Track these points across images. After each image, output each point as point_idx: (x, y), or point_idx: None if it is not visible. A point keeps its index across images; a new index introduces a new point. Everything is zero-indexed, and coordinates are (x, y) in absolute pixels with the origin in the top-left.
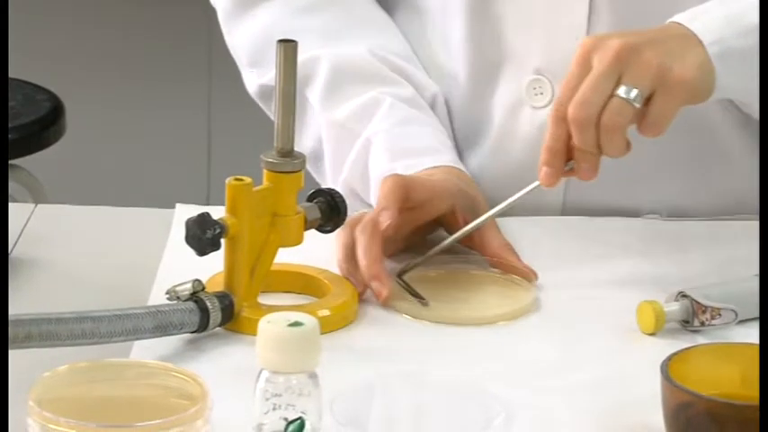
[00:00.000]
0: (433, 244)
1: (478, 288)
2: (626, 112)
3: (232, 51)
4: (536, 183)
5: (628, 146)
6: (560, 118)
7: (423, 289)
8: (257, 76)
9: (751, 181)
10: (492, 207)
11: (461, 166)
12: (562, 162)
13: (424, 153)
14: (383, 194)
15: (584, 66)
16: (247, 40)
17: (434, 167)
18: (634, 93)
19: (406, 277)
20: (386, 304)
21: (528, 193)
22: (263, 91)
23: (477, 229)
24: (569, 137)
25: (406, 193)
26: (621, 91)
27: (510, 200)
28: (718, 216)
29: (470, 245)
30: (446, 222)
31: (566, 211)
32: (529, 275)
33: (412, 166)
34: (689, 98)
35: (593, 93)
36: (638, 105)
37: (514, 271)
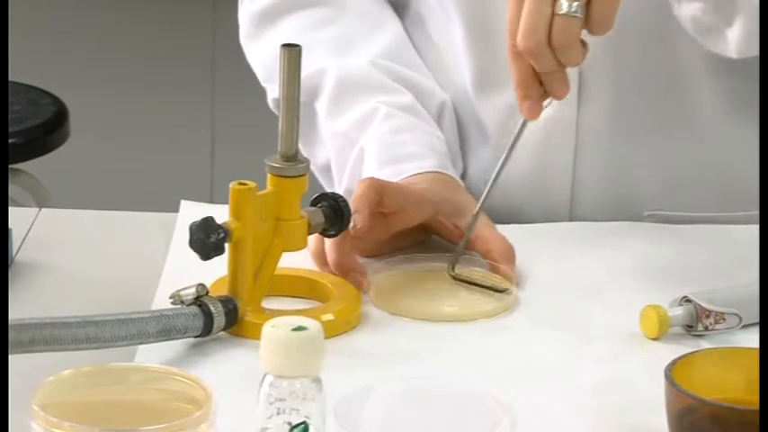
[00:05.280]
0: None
1: (457, 287)
2: (573, 27)
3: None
4: (522, 119)
5: (585, 48)
6: (517, 53)
7: (404, 288)
8: (271, 91)
9: (749, 166)
10: (492, 212)
11: (449, 171)
12: (537, 90)
13: (408, 160)
14: (355, 197)
15: None
16: (263, 56)
17: (419, 174)
18: (574, 5)
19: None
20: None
21: (519, 137)
22: (277, 105)
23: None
24: (532, 66)
25: (378, 197)
26: (563, 7)
27: (504, 156)
28: (715, 209)
29: (469, 246)
30: (434, 230)
31: (573, 216)
32: (509, 277)
33: (397, 174)
34: None
35: (534, 19)
36: (580, 16)
37: (496, 270)
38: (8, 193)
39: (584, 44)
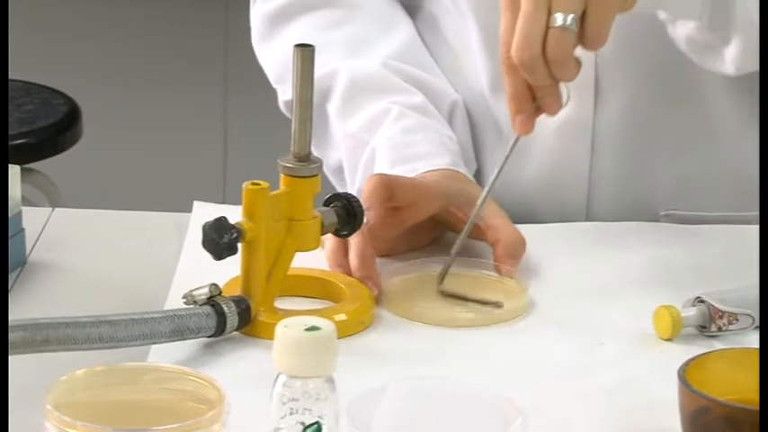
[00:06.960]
0: (443, 245)
1: (471, 290)
2: (567, 40)
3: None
4: (515, 135)
5: (578, 64)
6: (511, 65)
7: (420, 292)
8: (282, 93)
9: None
10: (509, 213)
11: (461, 168)
12: (530, 104)
13: (420, 158)
14: (366, 193)
15: (514, 7)
16: (274, 58)
17: (430, 171)
18: (569, 18)
19: (446, 285)
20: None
21: (512, 152)
22: (288, 107)
23: (483, 219)
24: (526, 80)
25: (389, 192)
26: (557, 20)
27: (497, 169)
28: (731, 209)
29: (480, 236)
30: (447, 223)
31: (590, 216)
32: (510, 274)
33: (408, 172)
34: (620, 5)
35: (529, 31)
36: (575, 29)
37: (499, 268)
38: (8, 194)
39: (577, 61)
